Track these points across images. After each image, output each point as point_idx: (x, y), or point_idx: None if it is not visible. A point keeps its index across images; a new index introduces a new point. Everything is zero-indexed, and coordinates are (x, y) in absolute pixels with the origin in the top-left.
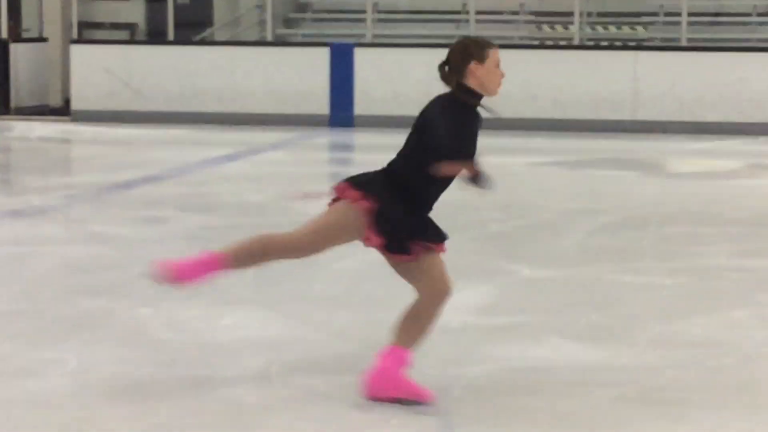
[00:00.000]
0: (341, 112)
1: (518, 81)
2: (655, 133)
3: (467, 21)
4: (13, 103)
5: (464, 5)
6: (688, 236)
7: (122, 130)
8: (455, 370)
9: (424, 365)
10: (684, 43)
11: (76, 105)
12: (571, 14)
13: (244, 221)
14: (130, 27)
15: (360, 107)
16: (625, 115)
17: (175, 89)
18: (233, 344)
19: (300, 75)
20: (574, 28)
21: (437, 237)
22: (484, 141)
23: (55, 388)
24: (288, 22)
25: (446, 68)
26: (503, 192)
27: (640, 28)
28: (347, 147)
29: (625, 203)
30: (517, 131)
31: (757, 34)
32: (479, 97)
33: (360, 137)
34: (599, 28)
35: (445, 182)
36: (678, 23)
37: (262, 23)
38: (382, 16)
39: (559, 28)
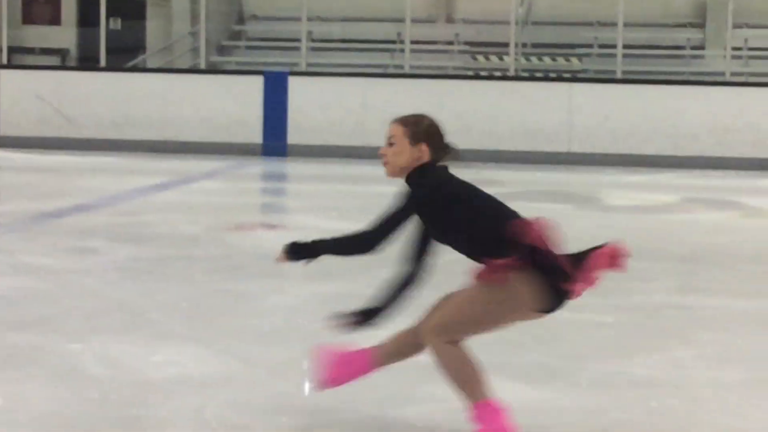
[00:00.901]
0: (274, 141)
1: (453, 112)
2: (590, 166)
3: (402, 50)
4: None
5: (399, 34)
6: (626, 271)
7: (53, 157)
8: (394, 410)
9: (363, 404)
10: (619, 76)
11: (5, 131)
12: (506, 45)
13: (176, 253)
14: (62, 52)
15: (293, 136)
16: (560, 147)
17: (107, 116)
18: (166, 382)
19: (233, 103)
20: (509, 59)
21: None
22: None
23: None
24: (222, 50)
25: None
26: None
27: (574, 60)
28: (280, 177)
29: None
30: (451, 161)
31: (692, 67)
32: None
33: (293, 167)
34: (534, 59)
35: None
36: (613, 55)
37: (195, 50)
38: (317, 44)
39: (494, 58)
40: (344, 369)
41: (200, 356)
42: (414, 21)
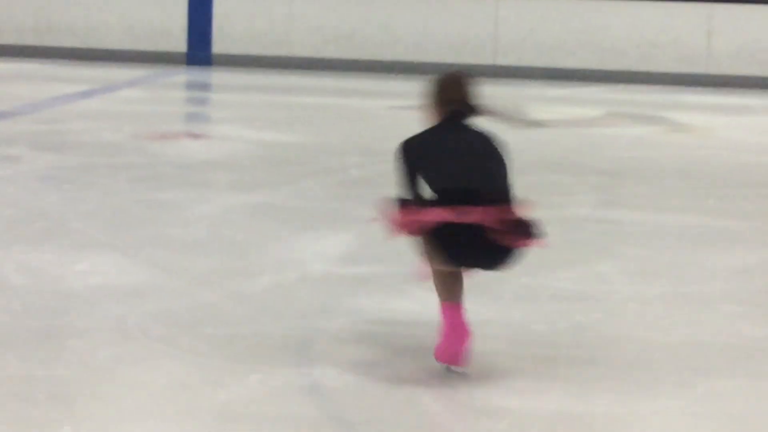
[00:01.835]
0: (199, 50)
1: (379, 24)
2: (515, 79)
3: None
4: None
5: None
6: (549, 186)
7: None
8: (319, 321)
9: (287, 317)
10: None
11: None
12: None
13: (99, 161)
14: None
15: (218, 45)
16: (485, 60)
17: (29, 22)
18: (88, 291)
19: (158, 11)
20: None
21: None
22: (341, 83)
23: None
24: None
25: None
26: (363, 136)
27: None
28: (205, 86)
29: None
30: (378, 74)
31: None
32: None
33: (218, 76)
34: None
35: None
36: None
37: None
38: None
39: None
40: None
41: (123, 266)
42: None
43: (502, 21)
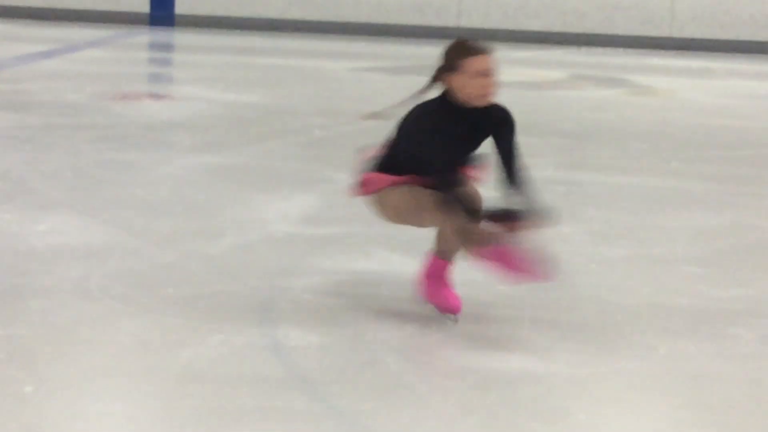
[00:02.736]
0: (162, 10)
1: None
2: (479, 40)
3: None
4: None
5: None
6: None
7: None
8: (282, 281)
9: (249, 277)
10: None
11: None
12: None
13: (61, 121)
14: None
15: (181, 6)
16: (449, 21)
17: None
18: (50, 251)
19: None
20: None
21: None
22: (304, 44)
23: None
24: None
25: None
26: (326, 97)
27: None
28: (168, 47)
29: None
30: (340, 35)
31: None
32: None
33: (181, 37)
34: None
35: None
36: None
37: None
38: None
39: None
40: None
41: (84, 226)
42: None
43: None
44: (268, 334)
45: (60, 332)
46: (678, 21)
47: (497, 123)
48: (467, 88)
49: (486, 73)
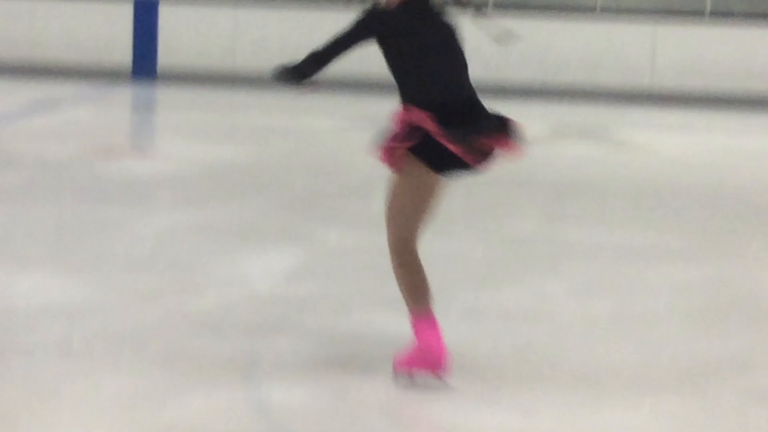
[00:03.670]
0: (144, 63)
1: (324, 37)
2: None
3: None
4: None
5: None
6: (496, 202)
7: None
8: (264, 340)
9: (233, 335)
10: (491, 6)
11: None
12: None
13: (43, 179)
14: None
15: (163, 59)
16: None
17: None
18: (32, 310)
19: (102, 23)
20: None
21: None
22: (286, 100)
23: None
24: None
25: None
26: (308, 154)
27: None
28: (150, 102)
29: None
30: (324, 90)
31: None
32: None
33: (163, 92)
34: None
35: None
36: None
37: None
38: None
39: None
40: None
41: (67, 284)
42: None
43: None
44: (252, 392)
45: (42, 392)
46: (658, 73)
47: None
48: None
49: None
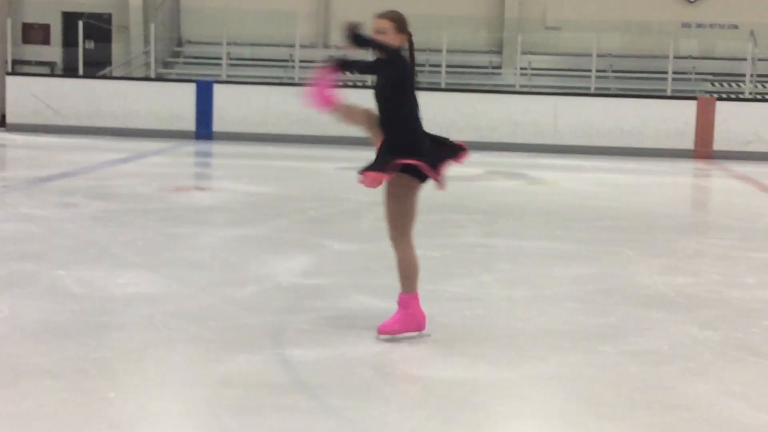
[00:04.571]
0: (204, 128)
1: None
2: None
3: (293, 67)
4: None
5: (290, 55)
6: (446, 221)
7: (44, 138)
8: (288, 317)
9: (265, 314)
10: (443, 86)
11: (10, 120)
12: None
13: (134, 207)
14: (50, 64)
15: (218, 125)
16: None
17: (84, 110)
18: (126, 298)
19: (174, 101)
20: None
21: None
22: (303, 152)
23: None
24: (166, 65)
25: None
26: (317, 188)
27: None
28: (208, 154)
29: None
30: (327, 145)
31: (493, 81)
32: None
33: (217, 147)
34: None
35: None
36: (438, 72)
37: (147, 65)
38: (233, 62)
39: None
40: (320, 94)
41: (150, 279)
42: (301, 46)
43: None
44: (279, 353)
45: (133, 354)
46: (560, 133)
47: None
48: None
49: (379, 32)
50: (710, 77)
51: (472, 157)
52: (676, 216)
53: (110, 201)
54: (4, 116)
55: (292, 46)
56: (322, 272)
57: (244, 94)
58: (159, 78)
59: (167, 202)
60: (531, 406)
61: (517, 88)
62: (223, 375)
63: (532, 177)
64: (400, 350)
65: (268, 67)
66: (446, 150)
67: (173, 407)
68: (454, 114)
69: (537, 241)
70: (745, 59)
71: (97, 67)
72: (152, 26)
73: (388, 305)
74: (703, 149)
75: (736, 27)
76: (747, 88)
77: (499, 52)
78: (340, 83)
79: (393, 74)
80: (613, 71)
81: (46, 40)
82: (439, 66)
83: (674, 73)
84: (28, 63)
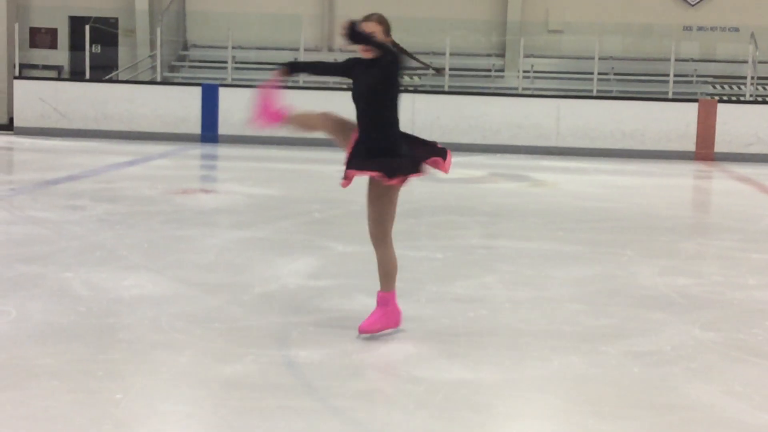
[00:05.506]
0: (209, 132)
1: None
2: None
3: None
4: None
5: (295, 59)
6: (450, 223)
7: (51, 142)
8: (293, 318)
9: (271, 315)
10: (446, 89)
11: (18, 123)
12: None
13: (140, 209)
14: (58, 68)
15: (222, 128)
16: None
17: (90, 113)
18: (132, 299)
19: (180, 105)
20: None
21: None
22: (306, 155)
23: (0, 333)
24: (172, 68)
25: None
26: (321, 190)
27: (416, 78)
28: (214, 157)
29: (406, 199)
30: (330, 148)
31: (496, 83)
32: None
33: (223, 150)
34: None
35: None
36: (443, 75)
37: (153, 68)
38: (238, 65)
39: None
40: (266, 112)
41: (156, 281)
42: (306, 50)
43: (417, 111)
44: (284, 354)
45: (140, 356)
46: (562, 135)
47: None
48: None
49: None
50: (711, 80)
51: (475, 159)
52: (677, 217)
53: (116, 203)
54: (11, 120)
55: (296, 49)
56: (326, 274)
57: (250, 98)
58: (165, 81)
59: (173, 205)
60: (534, 406)
61: (520, 91)
62: (228, 376)
63: (534, 179)
64: (404, 351)
65: (273, 71)
66: (424, 150)
67: (179, 408)
68: (457, 116)
69: (539, 242)
70: (746, 62)
71: (103, 70)
72: (158, 30)
73: None
74: (705, 151)
75: (737, 30)
76: (748, 90)
77: (502, 55)
78: (283, 85)
79: (388, 72)
80: (615, 74)
81: (53, 45)
82: (442, 69)
83: (676, 75)
84: (36, 67)
